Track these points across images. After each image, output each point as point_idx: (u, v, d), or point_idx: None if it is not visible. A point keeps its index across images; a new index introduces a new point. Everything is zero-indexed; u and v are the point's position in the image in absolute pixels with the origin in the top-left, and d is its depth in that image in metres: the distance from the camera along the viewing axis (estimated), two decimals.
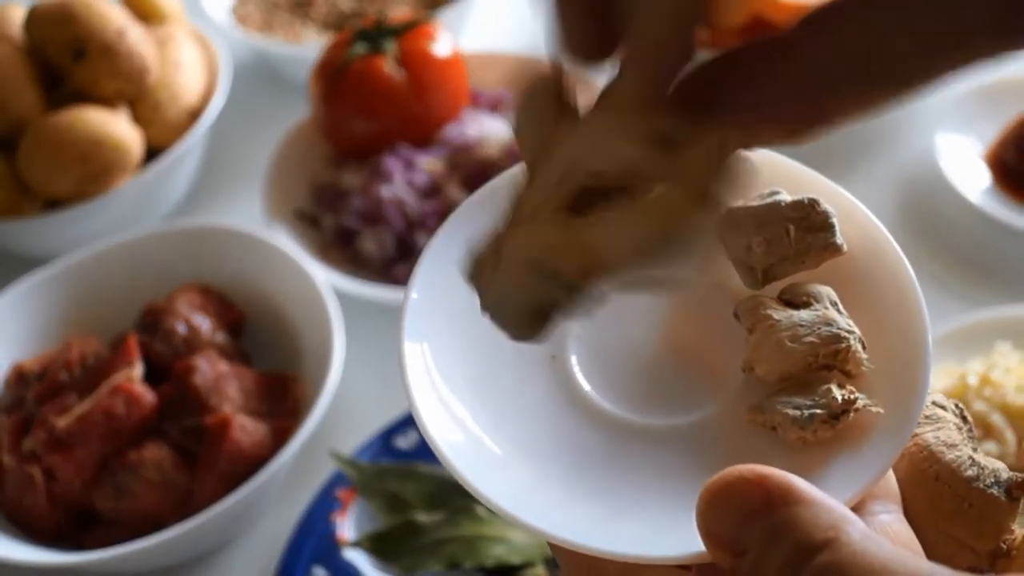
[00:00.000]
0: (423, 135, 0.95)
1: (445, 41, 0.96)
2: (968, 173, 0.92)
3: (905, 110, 1.02)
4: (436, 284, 0.41)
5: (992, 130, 0.95)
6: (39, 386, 0.79)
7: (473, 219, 0.42)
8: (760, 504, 0.30)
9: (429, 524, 0.71)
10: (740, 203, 0.40)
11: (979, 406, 0.74)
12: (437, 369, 0.40)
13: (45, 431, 0.74)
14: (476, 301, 0.36)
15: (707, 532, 0.32)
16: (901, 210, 0.94)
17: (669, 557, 0.34)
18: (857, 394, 0.37)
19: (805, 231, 0.39)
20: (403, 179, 0.92)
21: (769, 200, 0.40)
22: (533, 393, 0.39)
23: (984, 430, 0.74)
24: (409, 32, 0.96)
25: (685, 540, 0.34)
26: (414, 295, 0.41)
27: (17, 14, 0.99)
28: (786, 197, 0.40)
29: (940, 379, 0.76)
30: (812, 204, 0.39)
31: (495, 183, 0.43)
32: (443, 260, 0.41)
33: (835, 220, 0.39)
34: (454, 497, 0.73)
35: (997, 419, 0.73)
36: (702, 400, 0.39)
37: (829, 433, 0.36)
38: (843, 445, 0.36)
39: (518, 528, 0.36)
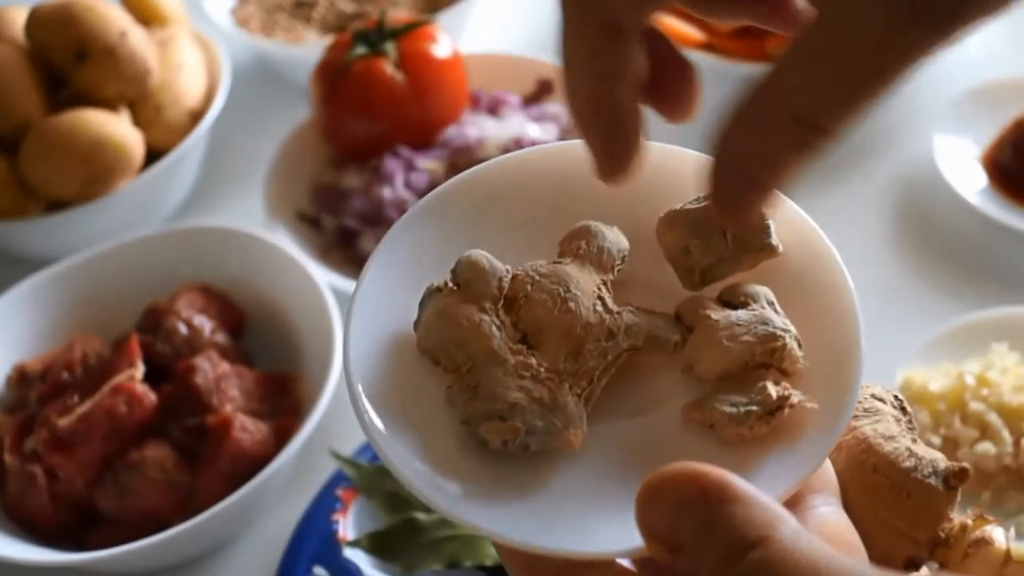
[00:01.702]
0: (423, 136, 0.95)
1: (445, 43, 0.97)
2: (965, 174, 0.92)
3: (903, 112, 1.03)
4: (380, 304, 0.42)
5: (989, 132, 0.95)
6: (41, 386, 0.79)
7: (419, 229, 0.43)
8: (697, 500, 0.31)
9: (429, 523, 0.71)
10: (678, 206, 0.42)
11: (976, 406, 0.74)
12: (373, 373, 0.40)
13: (47, 431, 0.74)
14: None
15: (645, 526, 0.32)
16: (899, 211, 0.94)
17: (608, 552, 0.35)
18: (791, 390, 0.38)
19: (741, 232, 0.40)
20: (403, 180, 0.92)
21: (706, 202, 0.41)
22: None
23: (981, 430, 0.74)
24: (409, 34, 0.96)
25: (623, 536, 0.34)
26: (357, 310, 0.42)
27: (19, 16, 0.99)
28: None
29: (938, 379, 0.76)
30: None
31: (442, 190, 0.44)
32: (388, 275, 0.42)
33: (770, 222, 0.41)
34: None
35: (993, 419, 0.74)
36: (641, 401, 0.40)
37: (765, 429, 0.37)
38: (779, 441, 0.37)
39: (460, 526, 0.37)
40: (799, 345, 0.39)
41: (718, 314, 0.40)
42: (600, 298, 0.41)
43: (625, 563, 0.37)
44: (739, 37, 1.01)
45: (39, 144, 0.93)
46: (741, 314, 0.39)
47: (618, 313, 0.40)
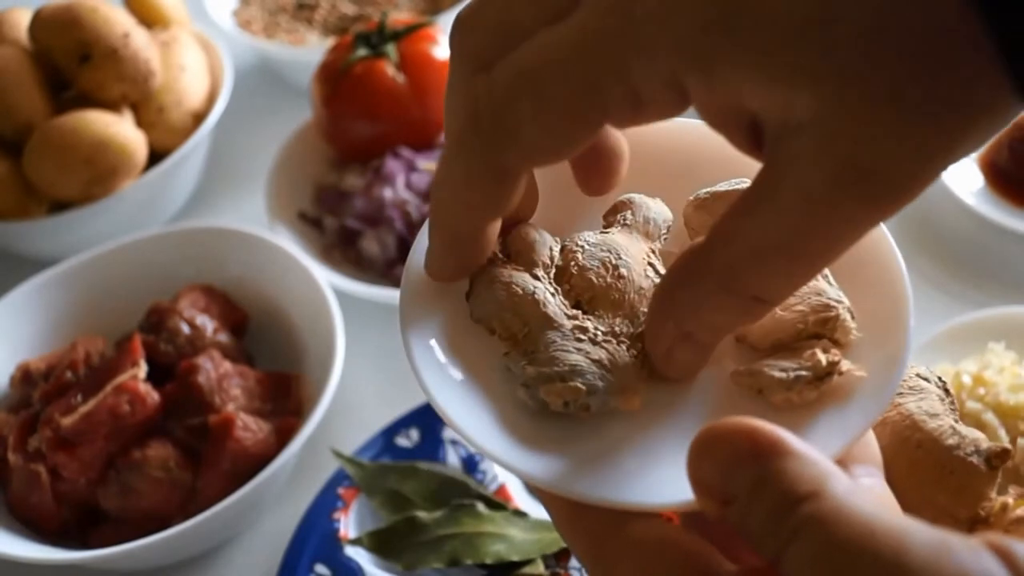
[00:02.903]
0: (424, 137, 0.96)
1: (445, 45, 0.96)
2: (962, 176, 0.92)
3: None
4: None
5: None
6: (45, 385, 0.79)
7: None
8: (749, 454, 0.31)
9: (430, 522, 0.71)
10: (706, 190, 0.42)
11: (973, 405, 0.74)
12: (431, 322, 0.41)
13: (51, 430, 0.74)
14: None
15: (696, 480, 0.32)
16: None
17: (657, 504, 0.35)
18: (841, 358, 0.38)
19: None
20: (404, 181, 0.93)
21: (737, 185, 0.42)
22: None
23: (978, 429, 0.74)
24: (410, 36, 0.97)
25: (673, 489, 0.35)
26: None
27: (23, 18, 0.99)
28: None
29: None
30: None
31: None
32: None
33: None
34: (455, 495, 0.74)
35: (990, 418, 0.73)
36: None
37: (814, 394, 0.37)
38: (826, 407, 0.37)
39: (510, 472, 0.38)
40: (852, 316, 0.39)
41: None
42: (650, 264, 0.41)
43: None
44: None
45: (43, 145, 0.93)
46: None
47: None
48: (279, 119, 1.08)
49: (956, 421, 0.43)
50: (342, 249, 0.94)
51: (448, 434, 0.79)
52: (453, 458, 0.77)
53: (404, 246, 0.91)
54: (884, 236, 0.41)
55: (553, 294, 0.40)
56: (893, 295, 0.39)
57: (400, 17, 1.01)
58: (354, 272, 0.92)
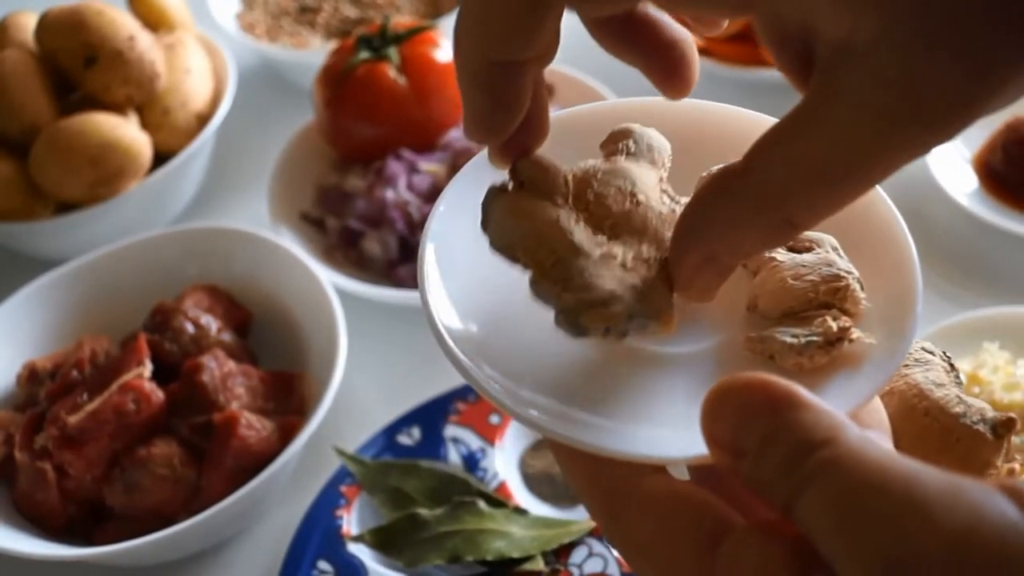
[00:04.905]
0: (425, 139, 0.96)
1: (446, 48, 0.97)
2: (956, 176, 0.93)
3: None
4: (458, 217, 0.42)
5: (980, 134, 0.95)
6: (51, 384, 0.79)
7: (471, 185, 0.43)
8: (763, 407, 0.31)
9: (431, 519, 0.71)
10: (715, 168, 0.42)
11: None
12: (448, 272, 0.41)
13: (57, 428, 0.74)
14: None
15: (710, 433, 0.32)
16: None
17: (669, 457, 0.35)
18: (852, 325, 0.38)
19: None
20: (406, 182, 0.93)
21: None
22: (541, 314, 0.39)
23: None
24: (411, 39, 0.97)
25: (686, 444, 0.35)
26: (442, 208, 0.42)
27: (29, 22, 0.99)
28: None
29: None
30: None
31: None
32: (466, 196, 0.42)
33: None
34: (455, 493, 0.74)
35: None
36: (705, 334, 0.40)
37: (824, 359, 0.38)
38: (837, 371, 0.38)
39: (524, 425, 0.37)
40: (861, 287, 0.40)
41: (783, 256, 0.40)
42: (664, 191, 0.41)
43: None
44: (733, 41, 1.02)
45: (49, 147, 0.93)
46: (806, 257, 0.40)
47: (686, 203, 0.40)
48: (282, 121, 1.08)
49: (961, 391, 0.43)
50: (344, 249, 0.94)
51: (449, 432, 0.79)
52: (454, 456, 0.78)
53: (405, 246, 0.91)
54: (892, 212, 0.41)
55: (576, 221, 0.39)
56: (901, 267, 0.40)
57: (401, 20, 1.01)
58: (356, 272, 0.92)
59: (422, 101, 0.95)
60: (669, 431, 0.36)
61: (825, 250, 0.40)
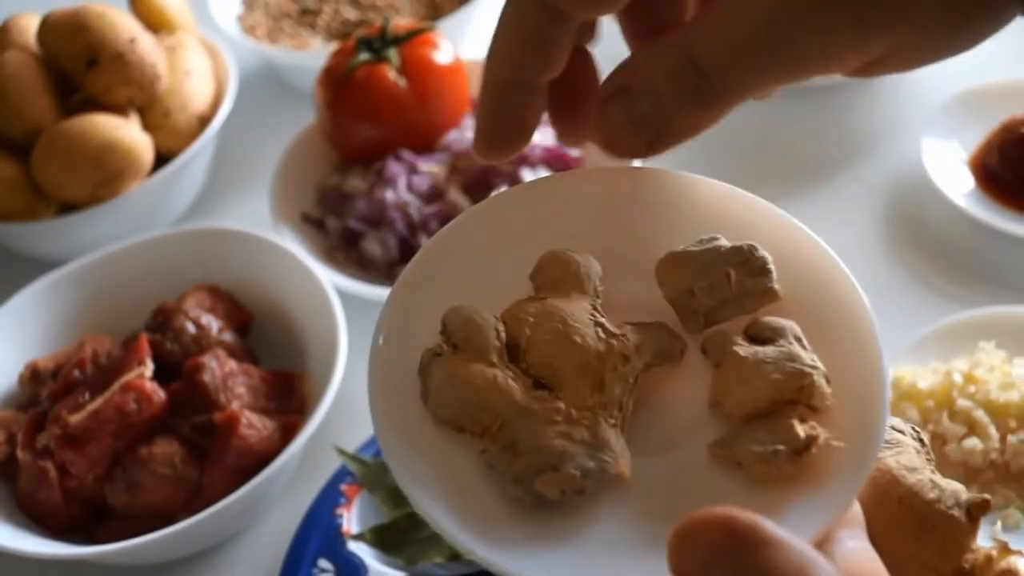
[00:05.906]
0: (425, 141, 0.96)
1: (446, 49, 0.97)
2: (953, 177, 0.93)
3: (892, 117, 1.04)
4: (404, 337, 0.41)
5: (976, 136, 0.96)
6: (53, 384, 0.79)
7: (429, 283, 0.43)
8: (727, 545, 0.30)
9: None
10: (680, 248, 0.41)
11: (964, 403, 0.74)
12: (405, 427, 0.39)
13: (59, 427, 0.74)
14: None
15: (676, 571, 0.31)
16: (888, 213, 0.95)
17: None
18: (819, 429, 0.37)
19: (745, 275, 0.40)
20: (406, 183, 0.93)
21: (709, 245, 0.41)
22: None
23: (968, 426, 0.74)
24: (411, 41, 0.97)
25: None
26: (381, 341, 0.41)
27: (31, 23, 0.99)
28: (725, 243, 0.41)
29: (926, 377, 0.76)
30: (751, 250, 0.41)
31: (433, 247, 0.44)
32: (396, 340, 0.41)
33: (772, 266, 0.40)
34: None
35: (981, 416, 0.73)
36: (667, 438, 0.39)
37: (793, 468, 0.36)
38: (808, 480, 0.36)
39: (485, 566, 0.36)
40: (827, 381, 0.38)
41: (746, 350, 0.39)
42: (599, 324, 0.39)
43: None
44: None
45: (50, 148, 0.93)
46: (769, 350, 0.39)
47: (622, 335, 0.39)
48: (283, 122, 1.08)
49: (933, 472, 0.43)
50: (344, 250, 0.94)
51: None
52: None
53: (405, 247, 0.91)
54: (860, 299, 0.40)
55: (514, 378, 0.38)
56: (866, 357, 0.39)
57: (401, 22, 1.01)
58: (356, 272, 0.92)
59: (422, 102, 0.95)
60: (636, 565, 0.35)
61: (788, 341, 0.39)
